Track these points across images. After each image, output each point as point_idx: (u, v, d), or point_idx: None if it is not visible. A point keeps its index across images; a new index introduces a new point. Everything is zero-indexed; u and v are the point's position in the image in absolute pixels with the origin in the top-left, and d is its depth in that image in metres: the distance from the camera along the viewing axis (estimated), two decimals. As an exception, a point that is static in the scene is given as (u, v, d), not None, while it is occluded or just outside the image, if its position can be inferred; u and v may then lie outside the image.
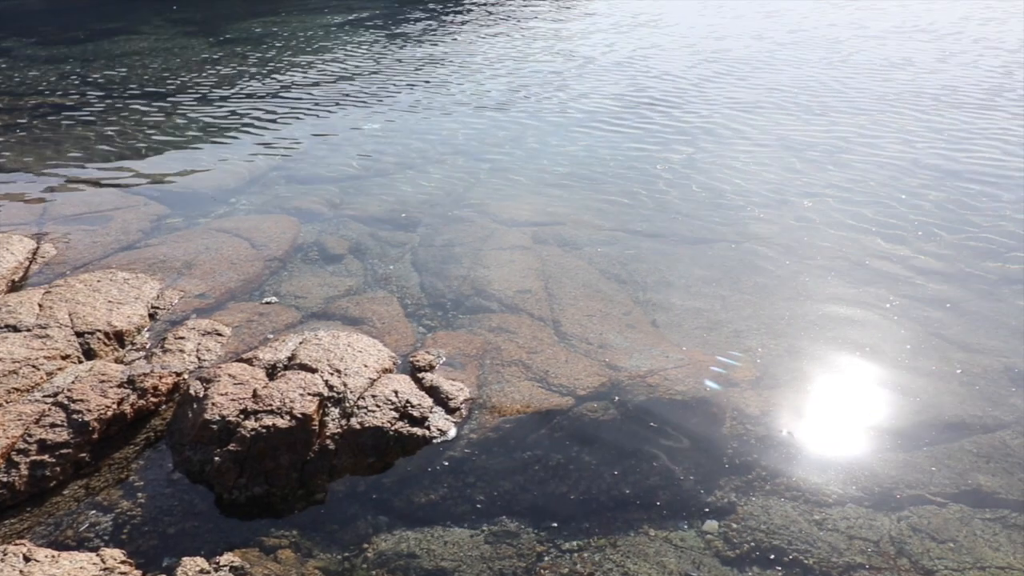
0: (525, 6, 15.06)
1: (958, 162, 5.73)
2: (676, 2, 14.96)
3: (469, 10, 14.92)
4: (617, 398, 3.29)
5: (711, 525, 2.82)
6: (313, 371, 3.21)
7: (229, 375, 3.17)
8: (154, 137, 7.54)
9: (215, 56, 11.64)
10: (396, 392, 3.16)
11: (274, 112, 8.34)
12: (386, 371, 3.39)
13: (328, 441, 2.96)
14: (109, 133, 7.70)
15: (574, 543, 2.73)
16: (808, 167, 5.84)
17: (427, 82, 9.32)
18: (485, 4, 15.62)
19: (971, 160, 5.75)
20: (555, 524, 2.80)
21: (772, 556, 2.66)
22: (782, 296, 4.14)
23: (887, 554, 2.67)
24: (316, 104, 8.60)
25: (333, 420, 3.03)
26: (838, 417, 3.24)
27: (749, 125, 6.90)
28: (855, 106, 7.28)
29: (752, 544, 2.72)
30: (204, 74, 10.36)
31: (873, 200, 5.19)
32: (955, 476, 2.95)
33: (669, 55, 9.91)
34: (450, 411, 3.20)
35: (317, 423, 2.97)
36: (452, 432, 3.14)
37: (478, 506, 2.86)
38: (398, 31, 12.96)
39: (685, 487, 2.95)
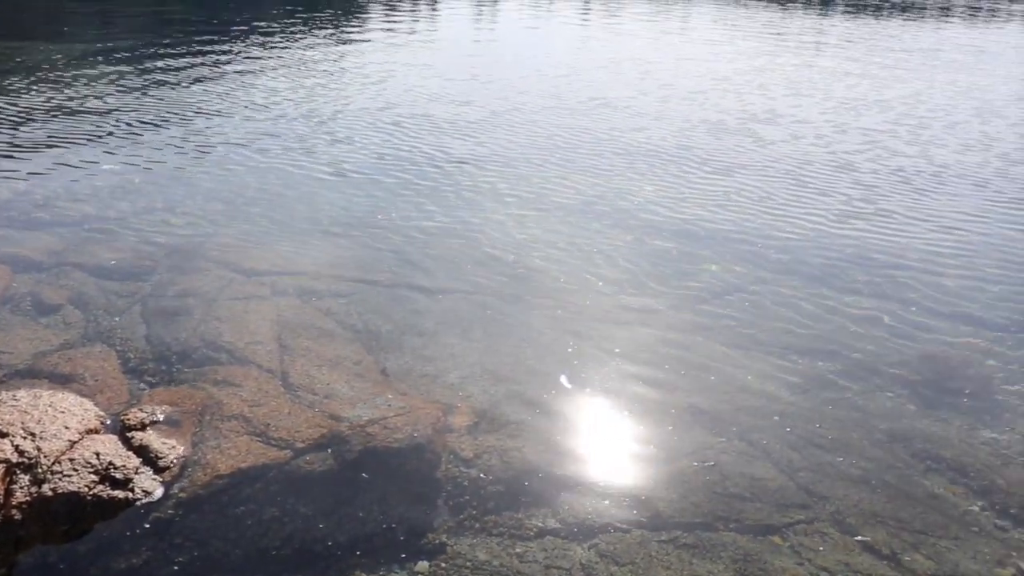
0: (292, 49, 14.95)
1: (682, 220, 6.44)
2: (445, 60, 15.54)
3: (236, 51, 14.55)
4: (336, 448, 3.36)
5: (422, 566, 2.96)
6: (3, 435, 2.98)
7: (-102, 444, 2.86)
8: None
9: (-72, 81, 10.44)
10: (98, 454, 3.02)
11: (-5, 148, 7.62)
12: (92, 432, 3.22)
13: (14, 511, 2.76)
14: None
15: (283, 597, 2.75)
16: (539, 222, 6.30)
17: (175, 122, 8.96)
18: (251, 44, 15.30)
19: (696, 218, 6.49)
20: (264, 579, 2.80)
21: (472, 592, 2.84)
22: (507, 343, 4.44)
23: (577, 580, 2.94)
24: (45, 139, 7.96)
25: (22, 488, 2.83)
26: (544, 456, 3.53)
27: (491, 181, 7.32)
28: (595, 165, 7.94)
29: (458, 581, 2.89)
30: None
31: (599, 253, 5.69)
32: (639, 503, 3.31)
33: (421, 111, 10.27)
34: (159, 471, 3.10)
35: (2, 492, 2.76)
36: (159, 493, 3.04)
37: (183, 567, 2.80)
38: (155, 65, 12.34)
39: (399, 531, 3.07)
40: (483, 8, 29.70)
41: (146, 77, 11.47)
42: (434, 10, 28.43)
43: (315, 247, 5.61)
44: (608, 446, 3.65)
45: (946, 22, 26.66)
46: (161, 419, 3.43)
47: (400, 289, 5.03)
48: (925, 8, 29.88)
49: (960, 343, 4.61)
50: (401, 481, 3.28)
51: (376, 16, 24.16)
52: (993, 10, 31.85)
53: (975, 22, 27.86)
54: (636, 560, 3.04)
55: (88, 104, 9.59)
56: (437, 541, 3.06)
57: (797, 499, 3.39)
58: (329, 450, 3.34)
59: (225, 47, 14.92)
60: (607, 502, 3.30)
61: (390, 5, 29.64)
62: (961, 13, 29.21)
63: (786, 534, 3.22)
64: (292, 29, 18.43)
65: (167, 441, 3.24)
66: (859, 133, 9.75)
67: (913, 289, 5.28)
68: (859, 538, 3.19)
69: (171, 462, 3.15)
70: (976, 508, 3.37)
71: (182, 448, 3.25)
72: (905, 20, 26.14)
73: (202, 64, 12.76)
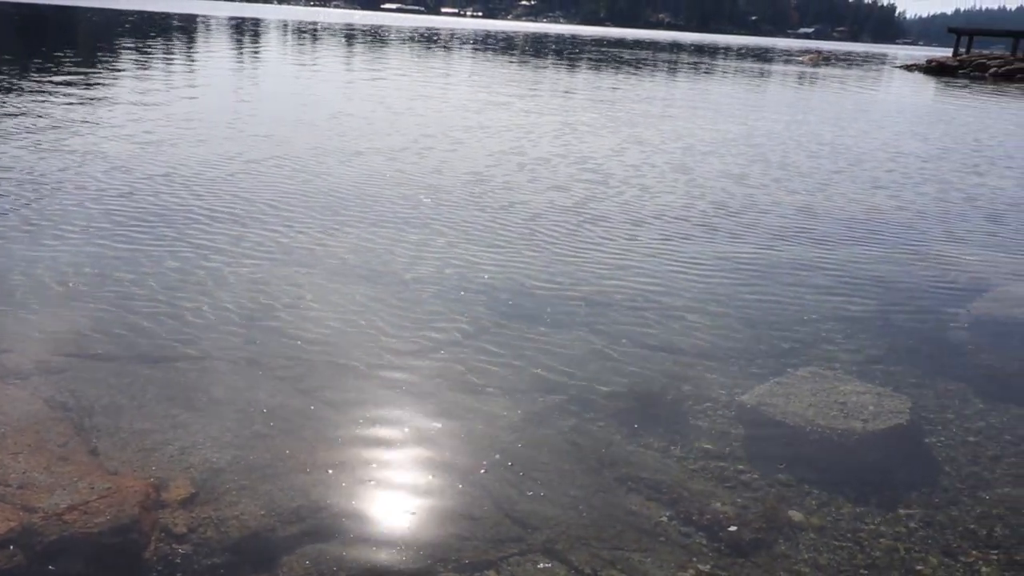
0: (21, 101, 13.75)
1: (415, 273, 6.64)
2: (190, 117, 15.05)
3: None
4: (26, 542, 3.12)
5: (125, 656, 2.82)
6: None
7: None
8: None
9: None
10: None
11: None
12: None
13: None
14: None
15: None
16: (272, 281, 6.24)
17: None
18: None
19: (425, 271, 6.71)
20: None
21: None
22: (234, 409, 4.35)
23: (291, 644, 2.93)
24: None
25: None
26: (265, 521, 3.49)
27: (219, 240, 7.15)
28: (325, 221, 8.00)
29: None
30: None
31: (331, 309, 5.74)
32: (359, 558, 3.35)
33: (149, 168, 9.87)
34: None
35: None
36: None
37: None
38: None
39: (98, 623, 2.91)
40: (242, 61, 29.06)
41: None
42: (191, 60, 27.41)
43: (23, 321, 5.19)
44: (330, 504, 3.67)
45: (673, 78, 29.81)
46: None
47: (120, 361, 4.78)
48: (656, 65, 33.30)
49: (661, 372, 5.15)
50: (102, 569, 3.11)
51: (124, 68, 22.91)
52: (711, 65, 36.07)
53: (696, 77, 31.37)
54: (356, 615, 3.09)
55: None
56: (143, 626, 2.94)
57: (512, 532, 3.61)
58: (17, 545, 3.09)
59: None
60: (325, 562, 3.33)
61: (142, 51, 28.16)
62: (685, 70, 32.84)
63: (501, 567, 3.42)
64: (26, 79, 16.96)
65: None
66: (568, 189, 10.64)
67: (621, 324, 5.82)
68: (565, 562, 3.45)
69: None
70: (665, 519, 3.77)
71: None
72: (639, 77, 28.88)
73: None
